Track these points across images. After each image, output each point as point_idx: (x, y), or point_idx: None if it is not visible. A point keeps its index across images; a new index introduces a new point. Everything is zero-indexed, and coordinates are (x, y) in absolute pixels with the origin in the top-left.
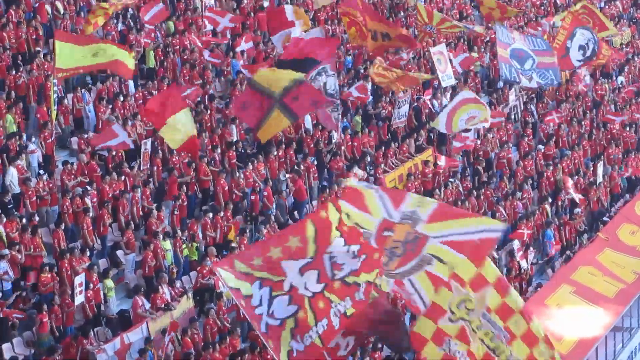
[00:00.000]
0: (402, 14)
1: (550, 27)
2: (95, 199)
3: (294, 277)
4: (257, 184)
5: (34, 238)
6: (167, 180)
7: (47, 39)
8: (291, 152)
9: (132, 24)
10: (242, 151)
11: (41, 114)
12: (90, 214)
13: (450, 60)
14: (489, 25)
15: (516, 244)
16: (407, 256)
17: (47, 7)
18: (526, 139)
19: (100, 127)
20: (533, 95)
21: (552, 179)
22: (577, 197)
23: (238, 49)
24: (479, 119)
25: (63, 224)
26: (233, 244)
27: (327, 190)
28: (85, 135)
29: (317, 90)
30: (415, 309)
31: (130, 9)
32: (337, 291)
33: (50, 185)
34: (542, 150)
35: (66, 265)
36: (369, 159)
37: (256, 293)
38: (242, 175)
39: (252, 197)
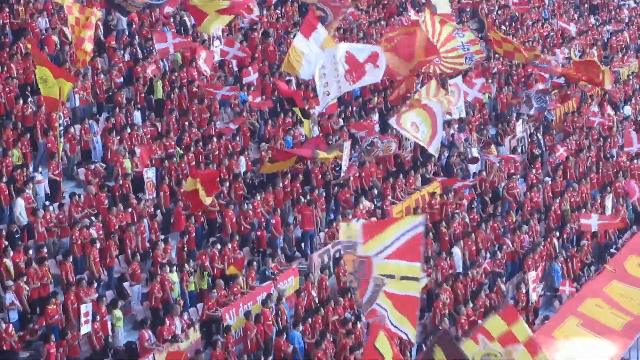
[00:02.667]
0: None
1: (564, 58)
2: (101, 231)
3: None
4: (262, 219)
5: (41, 267)
6: (173, 211)
7: None
8: (298, 184)
9: (139, 54)
10: (250, 182)
11: (51, 144)
12: (97, 245)
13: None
14: (497, 55)
15: (532, 275)
16: (362, 284)
17: (54, 38)
18: (534, 170)
19: (108, 158)
20: (540, 126)
21: (559, 211)
22: (593, 222)
23: (245, 80)
24: (423, 139)
25: (71, 256)
26: (239, 275)
27: (334, 222)
28: (92, 167)
29: None
30: (391, 333)
31: (136, 38)
32: None
33: (60, 216)
34: (550, 183)
35: (72, 297)
36: (376, 191)
37: None
38: (250, 207)
39: (259, 233)
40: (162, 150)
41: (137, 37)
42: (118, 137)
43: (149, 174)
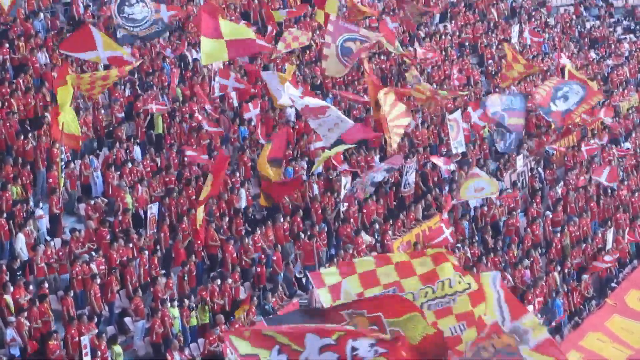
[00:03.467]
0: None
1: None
2: (102, 266)
3: (312, 353)
4: (262, 256)
5: (42, 305)
6: (173, 247)
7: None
8: (298, 219)
9: (139, 89)
10: (252, 217)
11: (52, 179)
12: (98, 281)
13: (467, 125)
14: (496, 90)
15: (529, 309)
16: None
17: (55, 74)
18: (534, 205)
19: (109, 193)
20: (541, 161)
21: (559, 245)
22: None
23: (246, 116)
24: (489, 192)
25: (72, 291)
26: (240, 313)
27: (335, 257)
28: (93, 202)
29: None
30: None
31: (136, 74)
32: None
33: (60, 253)
34: (550, 216)
35: (73, 331)
36: (377, 226)
37: (274, 358)
38: (250, 242)
39: (259, 269)
40: (161, 187)
41: (136, 73)
42: (118, 173)
43: (153, 210)
